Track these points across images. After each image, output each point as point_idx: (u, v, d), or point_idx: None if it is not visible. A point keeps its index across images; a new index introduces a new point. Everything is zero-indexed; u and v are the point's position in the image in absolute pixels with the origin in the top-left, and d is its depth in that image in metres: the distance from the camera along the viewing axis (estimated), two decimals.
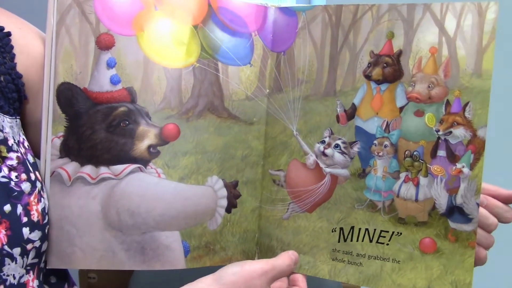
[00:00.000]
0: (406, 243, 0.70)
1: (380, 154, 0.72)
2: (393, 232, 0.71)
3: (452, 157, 0.69)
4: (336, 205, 0.73)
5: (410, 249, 0.70)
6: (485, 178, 0.69)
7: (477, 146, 0.68)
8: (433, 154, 0.70)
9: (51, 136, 0.70)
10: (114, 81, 0.71)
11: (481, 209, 0.70)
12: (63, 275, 0.76)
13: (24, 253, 0.64)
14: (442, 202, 0.69)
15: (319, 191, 0.75)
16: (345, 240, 0.73)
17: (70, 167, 0.71)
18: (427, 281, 0.69)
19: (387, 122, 0.71)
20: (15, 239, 0.63)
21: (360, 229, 0.72)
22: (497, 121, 1.32)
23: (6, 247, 0.62)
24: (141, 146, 0.72)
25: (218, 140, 0.75)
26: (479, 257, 0.70)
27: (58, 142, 0.71)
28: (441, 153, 0.70)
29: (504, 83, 1.47)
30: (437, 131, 0.69)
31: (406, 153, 0.71)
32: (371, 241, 0.72)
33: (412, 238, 0.70)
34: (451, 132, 0.69)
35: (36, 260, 0.67)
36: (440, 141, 0.69)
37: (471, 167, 0.68)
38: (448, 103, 0.69)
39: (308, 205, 0.75)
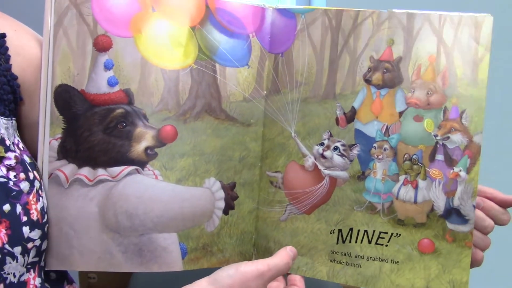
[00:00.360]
0: (405, 244, 0.71)
1: (380, 157, 0.72)
2: (392, 234, 0.72)
3: (450, 161, 0.71)
4: (335, 206, 0.74)
5: (409, 250, 0.71)
6: (482, 181, 0.72)
7: (473, 151, 0.71)
8: (432, 158, 0.72)
9: (48, 138, 0.71)
10: (111, 82, 0.72)
11: (478, 211, 0.72)
12: (62, 272, 0.77)
13: (25, 251, 0.66)
14: (440, 204, 0.71)
15: (317, 193, 0.75)
16: (343, 242, 0.73)
17: (68, 169, 0.71)
18: (425, 281, 0.70)
19: (387, 126, 0.73)
20: (16, 238, 0.64)
21: (359, 230, 0.73)
22: (497, 125, 1.33)
23: (6, 246, 0.63)
24: (139, 148, 0.72)
25: (215, 141, 0.75)
26: (475, 259, 0.72)
27: (55, 144, 0.71)
28: (439, 157, 0.72)
29: (504, 89, 1.49)
30: (436, 136, 0.72)
31: (406, 156, 0.72)
32: (370, 242, 0.72)
33: (411, 239, 0.71)
34: (448, 137, 0.71)
35: (36, 259, 0.68)
36: (438, 145, 0.72)
37: (468, 171, 0.70)
38: (446, 110, 0.72)
39: (306, 207, 0.75)
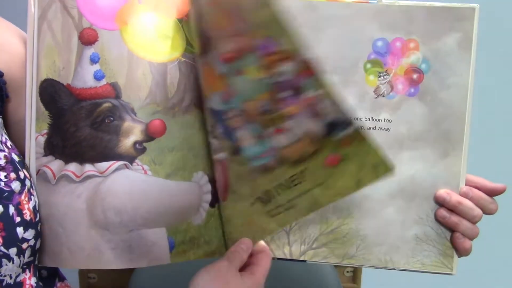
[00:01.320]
0: (315, 170, 0.72)
1: (237, 125, 0.72)
2: (298, 171, 0.73)
3: (297, 91, 0.67)
4: (238, 183, 0.75)
5: (322, 172, 0.72)
6: (472, 170, 0.76)
7: (306, 68, 0.65)
8: (281, 100, 0.69)
9: (35, 134, 0.70)
10: (98, 76, 0.72)
11: (466, 201, 0.75)
12: (53, 269, 0.79)
13: (20, 252, 0.66)
14: (316, 128, 0.69)
15: (219, 179, 0.76)
16: (270, 201, 0.75)
17: (55, 165, 0.71)
18: (353, 178, 0.72)
19: (223, 93, 0.71)
20: (10, 239, 0.65)
21: (273, 187, 0.74)
22: (485, 115, 1.36)
23: (2, 248, 0.64)
24: (127, 142, 0.72)
25: (204, 135, 0.75)
26: (464, 248, 0.75)
27: (42, 140, 0.71)
28: (285, 94, 0.68)
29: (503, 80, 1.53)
30: (265, 78, 0.67)
31: (258, 111, 0.70)
32: (290, 188, 0.74)
33: (316, 165, 0.72)
34: (279, 72, 0.66)
35: (31, 259, 0.70)
36: (273, 86, 0.68)
37: (318, 87, 0.66)
38: (257, 47, 0.66)
39: (221, 195, 0.78)
